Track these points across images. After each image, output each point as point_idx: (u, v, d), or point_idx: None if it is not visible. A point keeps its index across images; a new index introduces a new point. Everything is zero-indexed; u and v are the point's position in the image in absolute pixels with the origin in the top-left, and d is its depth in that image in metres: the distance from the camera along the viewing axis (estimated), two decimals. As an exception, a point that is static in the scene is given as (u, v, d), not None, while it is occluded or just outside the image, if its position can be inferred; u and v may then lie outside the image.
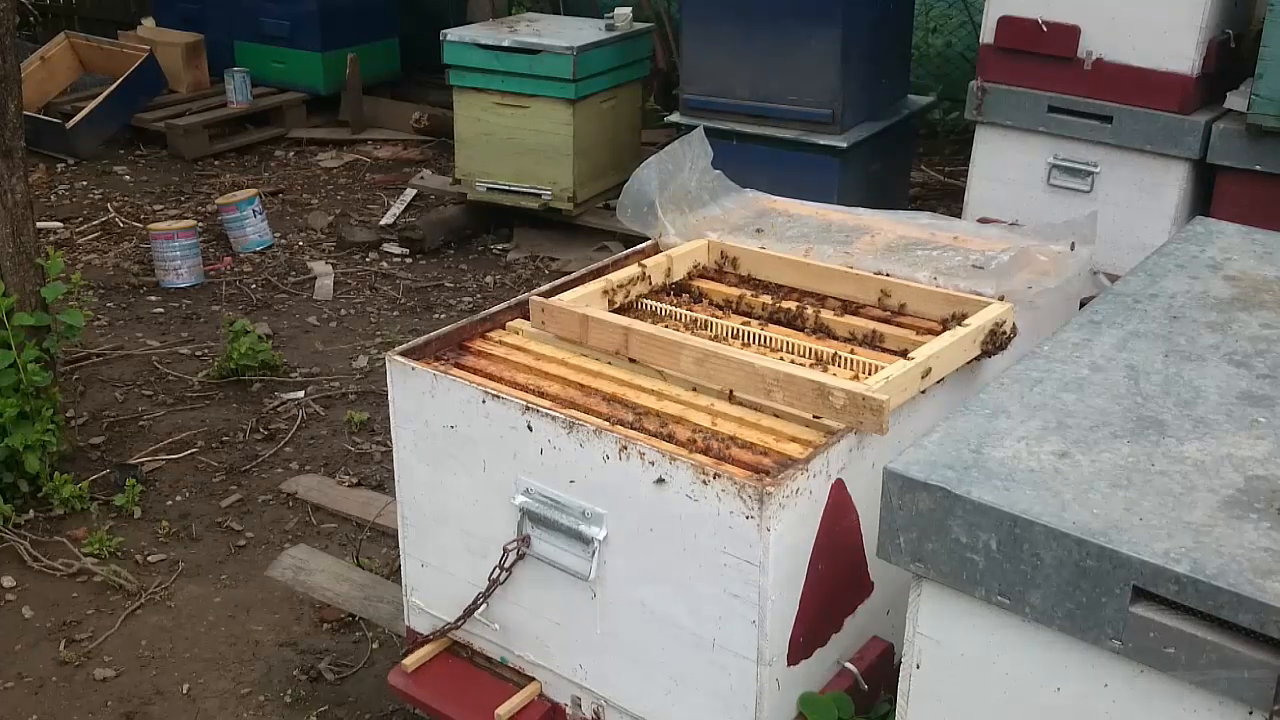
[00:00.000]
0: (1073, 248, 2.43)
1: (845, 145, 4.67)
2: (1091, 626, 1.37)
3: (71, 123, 6.48)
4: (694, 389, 2.13)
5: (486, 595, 2.18)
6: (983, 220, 4.07)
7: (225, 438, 3.89)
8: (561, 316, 2.27)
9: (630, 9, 5.58)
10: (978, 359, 2.19)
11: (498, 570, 2.14)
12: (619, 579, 2.02)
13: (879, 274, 2.43)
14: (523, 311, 2.40)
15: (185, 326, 4.71)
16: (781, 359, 2.19)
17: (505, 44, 5.20)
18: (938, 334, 2.21)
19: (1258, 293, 2.01)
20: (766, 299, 2.46)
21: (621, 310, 2.42)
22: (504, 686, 2.25)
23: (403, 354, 2.24)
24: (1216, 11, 3.94)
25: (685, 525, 1.88)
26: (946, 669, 1.55)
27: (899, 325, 2.33)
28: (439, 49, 5.31)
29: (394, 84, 7.46)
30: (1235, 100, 3.92)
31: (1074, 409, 1.63)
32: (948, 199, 5.67)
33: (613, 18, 5.48)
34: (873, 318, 2.36)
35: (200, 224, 5.45)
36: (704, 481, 1.83)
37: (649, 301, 2.49)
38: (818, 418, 1.98)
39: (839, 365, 2.20)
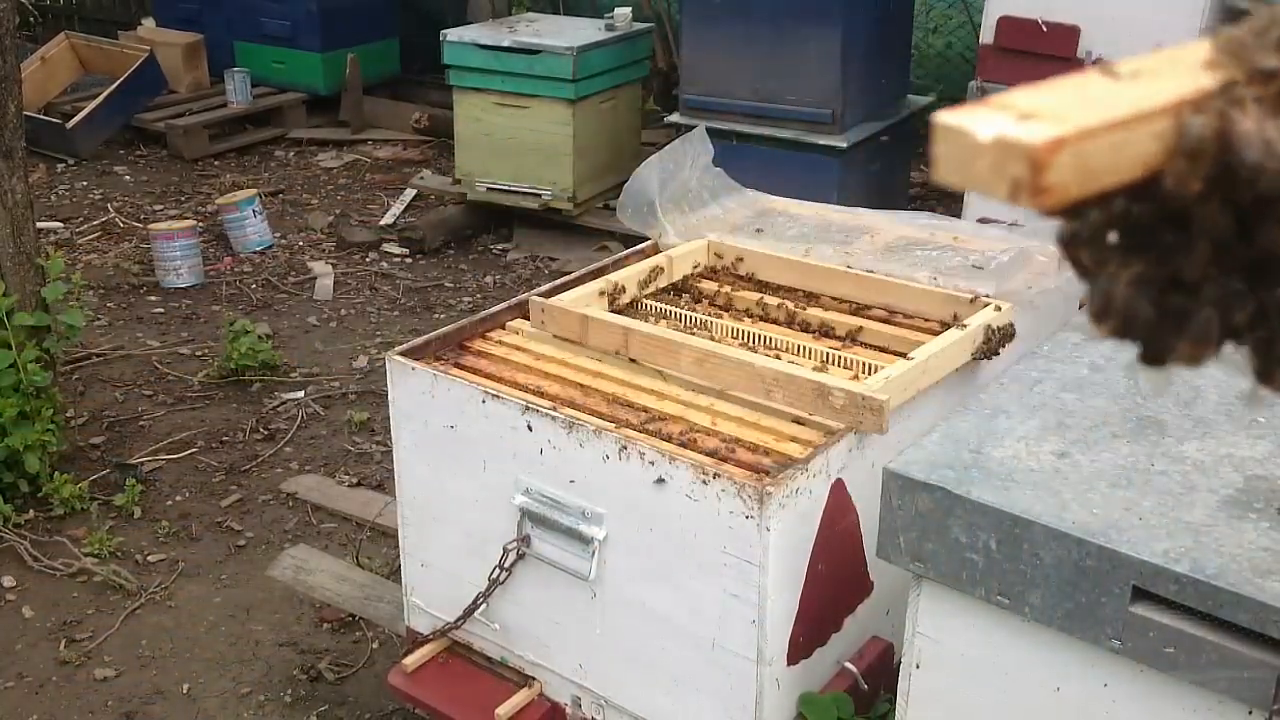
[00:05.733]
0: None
1: (845, 145, 4.67)
2: (1091, 626, 1.37)
3: (72, 123, 6.48)
4: (694, 389, 2.13)
5: (486, 595, 2.18)
6: (983, 220, 4.06)
7: (225, 438, 3.89)
8: (561, 316, 2.27)
9: (630, 9, 5.58)
10: (976, 359, 2.19)
11: (498, 570, 2.14)
12: (619, 579, 2.02)
13: (878, 274, 2.43)
14: (523, 311, 2.40)
15: (185, 326, 4.71)
16: (781, 359, 2.19)
17: (505, 44, 5.20)
18: (937, 334, 2.21)
19: (1257, 293, 2.01)
20: (766, 299, 2.46)
21: (621, 310, 2.42)
22: (504, 686, 2.25)
23: (403, 354, 2.24)
24: (1216, 12, 3.94)
25: (685, 525, 1.88)
26: (946, 669, 1.55)
27: (898, 325, 2.33)
28: (439, 49, 5.31)
29: (394, 84, 7.46)
30: (1235, 100, 3.92)
31: (1074, 409, 1.63)
32: (948, 199, 5.66)
33: (613, 18, 5.48)
34: (872, 318, 2.36)
35: (200, 224, 5.45)
36: (704, 481, 1.83)
37: (649, 301, 2.49)
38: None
39: (838, 365, 2.20)
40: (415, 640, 2.39)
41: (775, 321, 2.41)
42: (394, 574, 2.97)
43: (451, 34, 5.31)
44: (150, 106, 6.86)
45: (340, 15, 7.12)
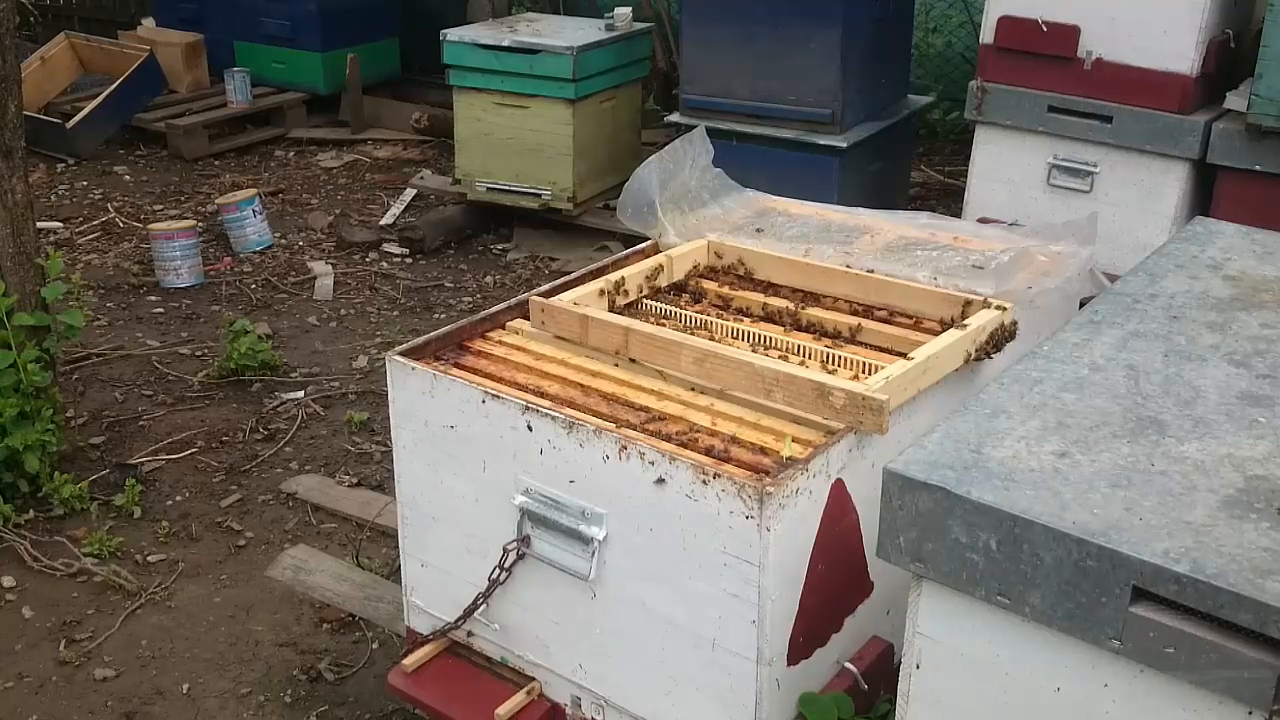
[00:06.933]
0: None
1: (845, 145, 4.67)
2: (1091, 626, 1.37)
3: (71, 123, 6.48)
4: (694, 389, 2.13)
5: (486, 595, 2.18)
6: (983, 220, 4.07)
7: (225, 438, 3.89)
8: (561, 316, 2.27)
9: (630, 9, 5.58)
10: (977, 359, 2.19)
11: (498, 570, 2.14)
12: (619, 579, 2.02)
13: (878, 274, 2.43)
14: (523, 311, 2.40)
15: (185, 326, 4.71)
16: (781, 359, 2.19)
17: (505, 44, 5.20)
18: (937, 334, 2.21)
19: (1257, 293, 2.01)
20: (766, 299, 2.46)
21: (621, 310, 2.42)
22: (504, 686, 2.25)
23: (403, 354, 2.24)
24: (1216, 11, 3.94)
25: (685, 525, 1.88)
26: (946, 669, 1.55)
27: (898, 325, 2.33)
28: (439, 49, 5.30)
29: (394, 84, 7.46)
30: (1235, 100, 3.92)
31: (1074, 409, 1.63)
32: (948, 199, 5.67)
33: (613, 18, 5.48)
34: (872, 318, 2.36)
35: (200, 224, 5.45)
36: (704, 481, 1.83)
37: (649, 301, 2.49)
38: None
39: (839, 365, 2.20)
40: (415, 640, 2.39)
41: (775, 321, 2.41)
42: (394, 574, 2.97)
43: (451, 34, 5.31)
44: (150, 106, 6.86)
45: (340, 15, 7.12)
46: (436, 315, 4.82)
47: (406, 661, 2.33)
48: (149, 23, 7.44)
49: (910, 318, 2.36)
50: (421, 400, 2.19)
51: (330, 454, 3.80)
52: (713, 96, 4.85)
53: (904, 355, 2.12)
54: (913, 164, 5.77)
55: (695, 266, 2.60)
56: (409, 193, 6.06)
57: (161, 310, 4.86)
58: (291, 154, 6.86)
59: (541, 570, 2.12)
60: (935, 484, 1.46)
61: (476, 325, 2.38)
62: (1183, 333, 1.86)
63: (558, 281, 2.49)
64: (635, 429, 2.01)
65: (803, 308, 2.41)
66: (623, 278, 2.45)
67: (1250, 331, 1.86)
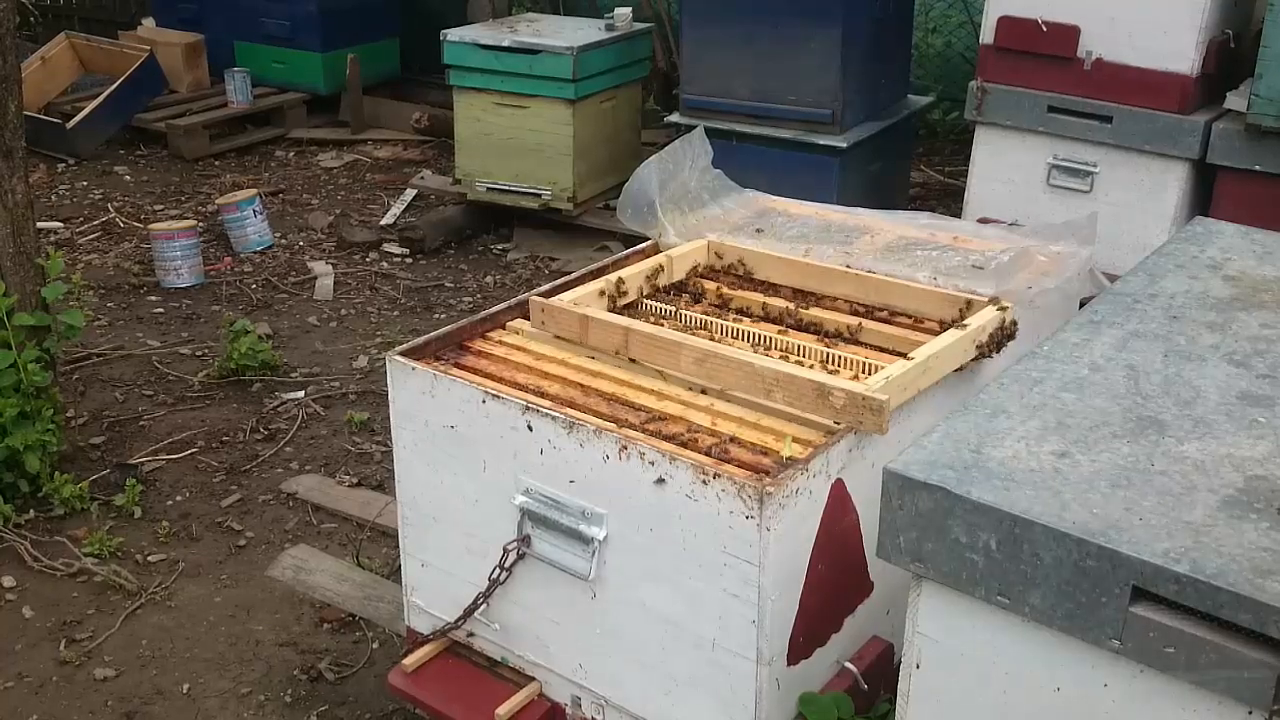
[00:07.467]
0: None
1: (845, 145, 4.67)
2: (1091, 626, 1.37)
3: (72, 123, 6.48)
4: (693, 389, 2.13)
5: (486, 595, 2.18)
6: (983, 220, 4.07)
7: (225, 438, 3.89)
8: (561, 316, 2.27)
9: (630, 9, 5.58)
10: (977, 359, 2.19)
11: (498, 570, 2.14)
12: (619, 579, 2.02)
13: (878, 274, 2.43)
14: (523, 311, 2.40)
15: (185, 326, 4.71)
16: (781, 359, 2.19)
17: (505, 44, 5.20)
18: (937, 334, 2.21)
19: (1257, 293, 2.01)
20: (766, 299, 2.46)
21: (621, 310, 2.42)
22: (504, 686, 2.25)
23: (403, 354, 2.24)
24: (1216, 11, 3.94)
25: (685, 525, 1.88)
26: (946, 669, 1.55)
27: (898, 325, 2.33)
28: (439, 49, 5.31)
29: (394, 84, 7.46)
30: (1235, 100, 3.92)
31: (1074, 409, 1.63)
32: (948, 199, 5.67)
33: (613, 18, 5.48)
34: (872, 318, 2.36)
35: (200, 224, 5.45)
36: (704, 481, 1.83)
37: (649, 301, 2.49)
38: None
39: (839, 365, 2.20)
40: (415, 640, 2.39)
41: (775, 321, 2.41)
42: (394, 574, 2.97)
43: (451, 34, 5.31)
44: (150, 106, 6.85)
45: (340, 15, 7.12)
46: (436, 315, 4.82)
47: (407, 661, 2.33)
48: (149, 23, 7.44)
49: (910, 318, 2.36)
50: (422, 400, 2.19)
51: (330, 454, 3.80)
52: (713, 96, 4.85)
53: (904, 355, 2.12)
54: (913, 164, 5.77)
55: (695, 266, 2.60)
56: (409, 193, 6.06)
57: (162, 310, 4.86)
58: (291, 154, 6.86)
59: (542, 570, 2.12)
60: (935, 484, 1.46)
61: (476, 325, 2.38)
62: (1183, 333, 1.86)
63: (558, 281, 2.49)
64: (635, 429, 2.01)
65: (803, 308, 2.41)
66: (622, 278, 2.45)
67: (1250, 331, 1.86)
